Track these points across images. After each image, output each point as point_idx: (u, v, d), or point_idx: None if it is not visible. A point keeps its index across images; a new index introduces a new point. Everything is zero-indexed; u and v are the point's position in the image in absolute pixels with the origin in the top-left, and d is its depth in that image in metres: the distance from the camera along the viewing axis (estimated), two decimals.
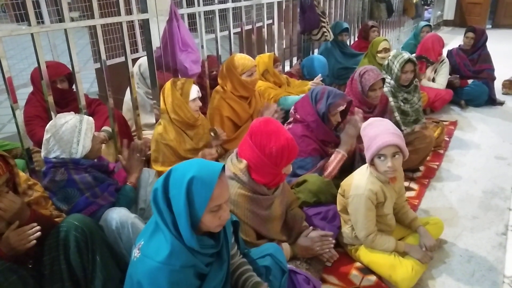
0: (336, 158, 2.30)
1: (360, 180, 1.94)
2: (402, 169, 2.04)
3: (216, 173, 1.22)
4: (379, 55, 3.83)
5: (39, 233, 1.45)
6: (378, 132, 1.85)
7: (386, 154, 1.83)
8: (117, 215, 1.71)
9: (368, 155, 1.89)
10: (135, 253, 1.25)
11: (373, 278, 1.95)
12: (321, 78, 3.55)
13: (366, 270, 1.99)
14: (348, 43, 4.91)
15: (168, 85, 2.40)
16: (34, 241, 1.44)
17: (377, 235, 1.93)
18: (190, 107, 2.37)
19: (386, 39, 3.94)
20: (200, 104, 2.44)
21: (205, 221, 1.23)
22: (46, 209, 1.67)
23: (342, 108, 2.32)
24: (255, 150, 1.71)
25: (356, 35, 5.60)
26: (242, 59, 2.75)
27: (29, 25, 1.88)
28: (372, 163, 1.91)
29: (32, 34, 1.90)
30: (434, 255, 1.99)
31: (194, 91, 2.39)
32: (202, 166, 1.24)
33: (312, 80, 3.58)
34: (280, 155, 1.70)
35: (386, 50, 3.83)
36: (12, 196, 1.46)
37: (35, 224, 1.46)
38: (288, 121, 2.48)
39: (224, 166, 1.27)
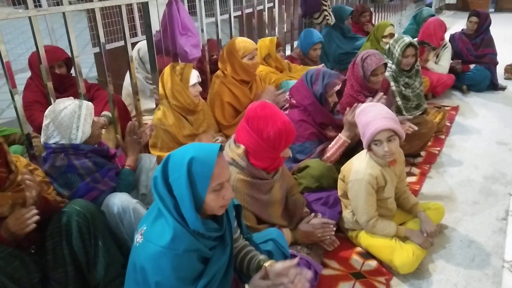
0: (337, 143, 2.28)
1: (360, 165, 1.94)
2: (402, 152, 2.04)
3: (214, 152, 1.23)
4: (384, 40, 3.78)
5: (37, 217, 1.43)
6: (370, 118, 1.85)
7: (381, 139, 1.82)
8: (119, 201, 1.71)
9: (364, 142, 1.89)
10: (138, 238, 1.25)
11: (373, 263, 1.96)
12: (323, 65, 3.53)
13: (367, 255, 2.01)
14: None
15: (167, 70, 2.37)
16: (33, 225, 1.42)
17: (378, 220, 1.94)
18: (190, 92, 2.34)
19: (392, 24, 3.89)
20: (200, 89, 2.41)
21: (209, 202, 1.23)
22: (48, 194, 1.66)
23: (338, 87, 2.31)
24: (253, 135, 1.70)
25: None
26: (243, 42, 2.72)
27: (27, 8, 1.85)
28: (370, 149, 1.91)
29: (29, 18, 1.87)
30: (435, 240, 2.00)
31: (194, 76, 2.36)
32: (199, 147, 1.26)
33: (312, 51, 3.63)
34: (278, 139, 1.69)
35: (392, 35, 3.78)
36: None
37: (33, 207, 1.45)
38: (285, 107, 2.46)
39: (221, 146, 1.28)
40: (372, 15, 5.02)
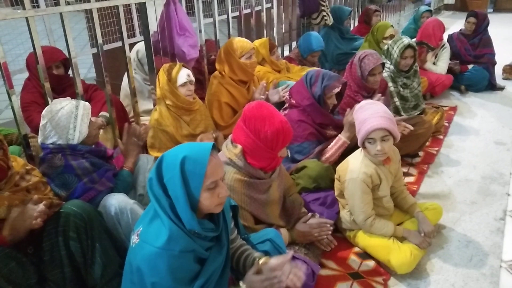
0: (337, 144, 2.28)
1: (355, 164, 1.95)
2: (397, 151, 2.04)
3: (207, 150, 1.24)
4: (384, 41, 3.77)
5: (43, 207, 1.46)
6: (367, 115, 1.85)
7: (375, 138, 1.83)
8: (116, 201, 1.71)
9: (358, 139, 1.90)
10: (134, 239, 1.25)
11: (371, 263, 1.96)
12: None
13: (365, 255, 2.01)
14: (351, 27, 4.84)
15: (161, 70, 2.37)
16: (40, 223, 1.44)
17: (375, 219, 1.94)
18: (180, 92, 2.33)
19: (392, 25, 3.89)
20: (192, 88, 2.38)
21: (204, 201, 1.23)
22: (45, 194, 1.65)
23: (337, 90, 2.30)
24: (250, 135, 1.70)
25: (356, 19, 5.52)
26: (240, 41, 2.72)
27: (24, 8, 1.84)
28: (364, 146, 1.91)
29: (26, 18, 1.86)
30: (433, 240, 2.00)
31: (182, 76, 2.32)
32: (192, 147, 1.26)
33: (310, 57, 3.60)
34: (275, 139, 1.69)
35: (392, 36, 3.77)
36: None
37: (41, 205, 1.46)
38: (284, 106, 2.46)
39: (214, 145, 1.28)
40: (381, 16, 4.98)
